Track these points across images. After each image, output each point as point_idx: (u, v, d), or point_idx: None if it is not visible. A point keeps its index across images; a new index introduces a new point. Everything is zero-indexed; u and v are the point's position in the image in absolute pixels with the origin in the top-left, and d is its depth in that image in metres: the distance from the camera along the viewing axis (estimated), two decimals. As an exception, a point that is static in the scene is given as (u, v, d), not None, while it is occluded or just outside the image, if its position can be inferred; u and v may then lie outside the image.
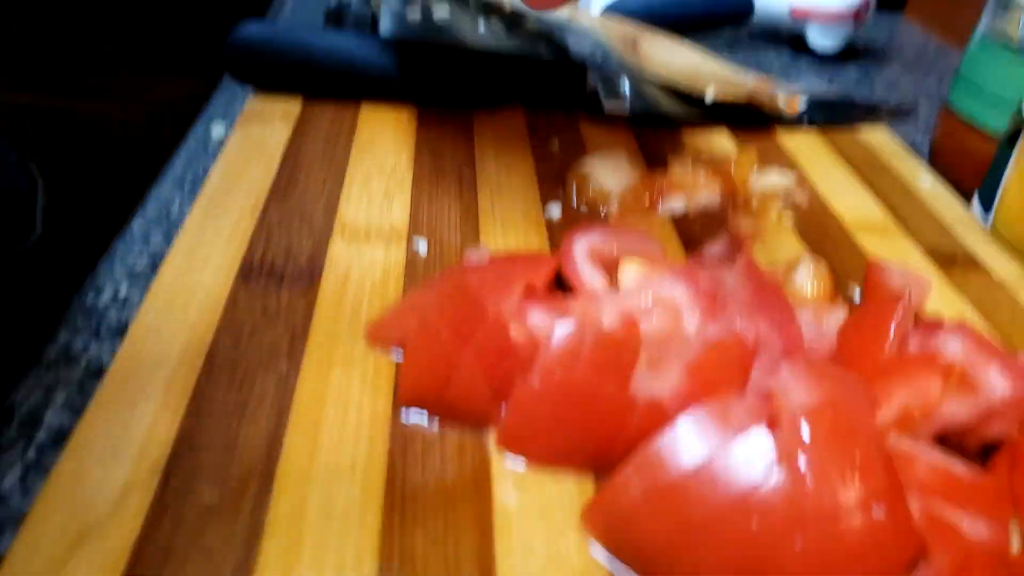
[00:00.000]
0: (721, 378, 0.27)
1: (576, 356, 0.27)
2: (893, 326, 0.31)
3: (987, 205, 0.47)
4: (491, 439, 0.28)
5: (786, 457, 0.23)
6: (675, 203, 0.41)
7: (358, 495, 0.25)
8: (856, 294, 0.38)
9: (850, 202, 0.46)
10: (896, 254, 0.41)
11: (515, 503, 0.26)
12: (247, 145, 0.42)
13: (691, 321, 0.30)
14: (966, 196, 0.49)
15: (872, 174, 0.50)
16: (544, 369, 0.27)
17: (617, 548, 0.25)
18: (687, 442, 0.24)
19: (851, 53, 0.78)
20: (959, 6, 0.86)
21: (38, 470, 0.27)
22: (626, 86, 0.50)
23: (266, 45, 0.46)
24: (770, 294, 0.32)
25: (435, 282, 0.32)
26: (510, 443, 0.27)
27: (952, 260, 0.42)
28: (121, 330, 0.33)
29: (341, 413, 0.28)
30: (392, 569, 0.23)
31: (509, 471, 0.27)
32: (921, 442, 0.29)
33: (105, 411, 0.27)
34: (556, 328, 0.27)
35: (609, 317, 0.28)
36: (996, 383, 0.28)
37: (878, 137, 0.55)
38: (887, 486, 0.23)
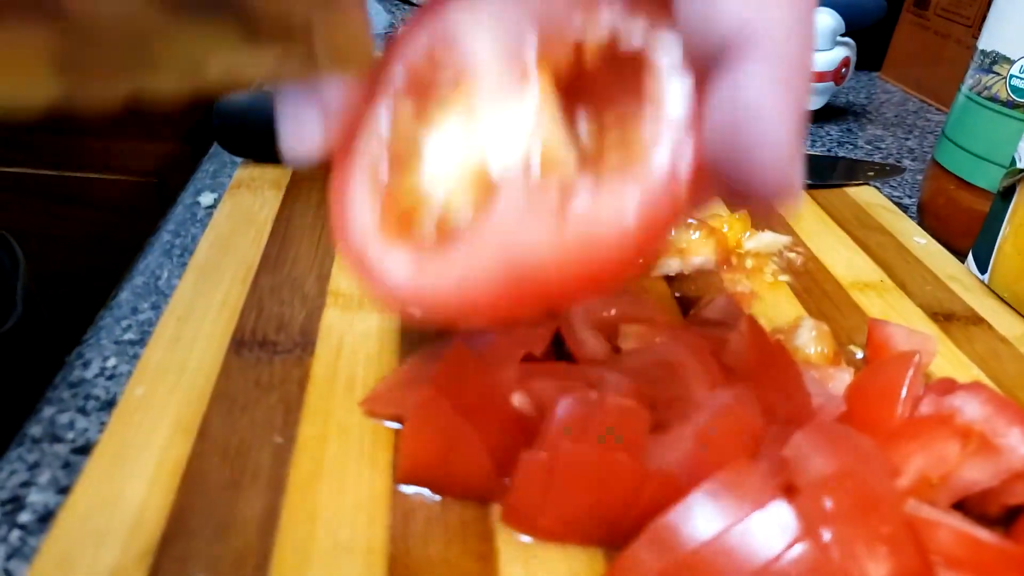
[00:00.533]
0: (732, 446, 0.26)
1: (585, 424, 0.26)
2: (905, 388, 0.30)
3: (982, 263, 0.47)
4: (495, 513, 0.27)
5: (808, 529, 0.23)
6: (671, 264, 0.41)
7: (360, 575, 0.24)
8: (859, 355, 0.38)
9: (845, 261, 0.46)
10: (895, 312, 0.41)
11: (524, 581, 0.25)
12: (236, 214, 0.42)
13: (697, 385, 0.29)
14: (958, 254, 0.49)
15: (864, 233, 0.50)
16: (551, 438, 0.26)
17: (634, 629, 0.24)
18: (703, 514, 0.24)
19: (831, 112, 0.79)
20: (935, 64, 0.88)
21: (22, 555, 0.26)
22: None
23: (253, 115, 0.45)
24: (775, 357, 0.31)
25: (432, 352, 0.31)
26: (516, 519, 0.26)
27: (951, 317, 0.42)
28: (109, 404, 0.32)
29: (338, 488, 0.27)
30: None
31: (516, 546, 0.26)
32: (941, 508, 0.28)
33: (93, 490, 0.26)
34: (561, 400, 0.26)
35: (614, 385, 0.28)
36: (1019, 446, 0.28)
37: (866, 196, 0.55)
38: (914, 558, 0.23)
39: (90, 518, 0.25)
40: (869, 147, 0.71)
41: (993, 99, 0.51)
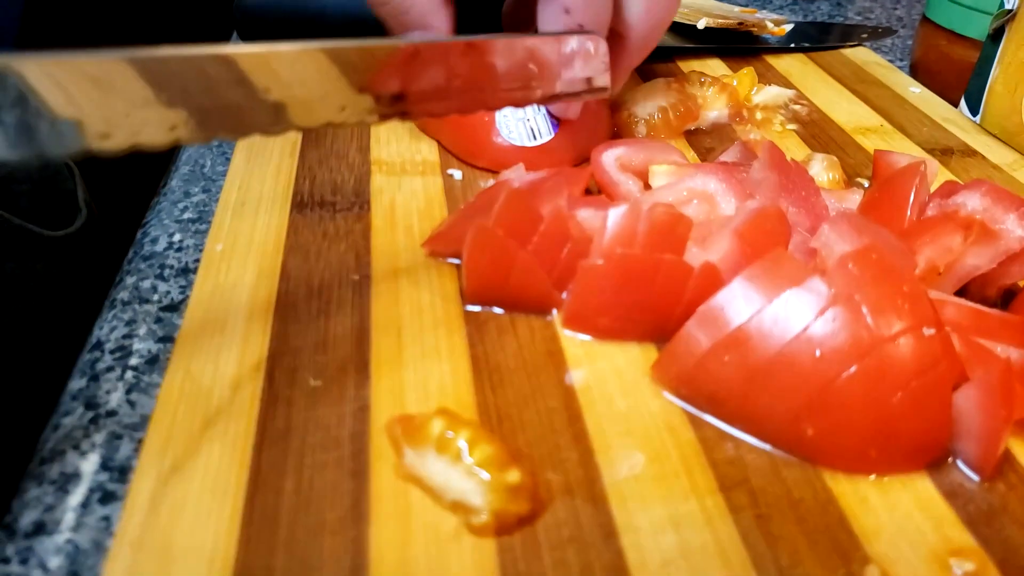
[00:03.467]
0: (766, 242, 0.29)
1: (633, 233, 0.29)
2: (912, 193, 0.33)
3: (974, 105, 0.50)
4: (556, 320, 0.30)
5: (839, 295, 0.26)
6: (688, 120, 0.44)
7: (449, 372, 0.27)
8: (866, 184, 0.41)
9: (846, 111, 0.49)
10: (897, 150, 0.44)
11: (589, 369, 0.28)
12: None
13: (728, 206, 0.32)
14: (951, 103, 0.52)
15: (862, 87, 0.52)
16: (606, 247, 0.29)
17: (688, 396, 0.27)
18: (746, 294, 0.27)
19: (821, -10, 0.80)
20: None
21: (139, 389, 0.29)
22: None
23: (275, 7, 0.47)
24: (795, 176, 0.34)
25: (482, 196, 0.34)
26: (576, 321, 0.29)
27: (949, 151, 0.45)
28: (183, 271, 0.35)
29: (416, 312, 0.30)
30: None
31: (578, 344, 0.29)
32: (946, 293, 0.31)
33: (199, 326, 0.29)
34: (611, 213, 0.29)
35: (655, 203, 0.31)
36: (1015, 228, 0.31)
37: (862, 56, 0.57)
38: (932, 314, 0.26)
39: (201, 344, 0.28)
40: (859, 18, 0.73)
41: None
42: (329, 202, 0.36)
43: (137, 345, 0.31)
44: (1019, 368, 0.28)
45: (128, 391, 0.29)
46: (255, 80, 0.23)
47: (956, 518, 0.24)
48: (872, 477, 0.25)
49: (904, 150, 0.44)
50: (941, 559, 0.23)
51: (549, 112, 0.39)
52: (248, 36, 0.48)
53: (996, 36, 0.49)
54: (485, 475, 0.22)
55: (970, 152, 0.45)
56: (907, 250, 0.28)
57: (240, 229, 0.33)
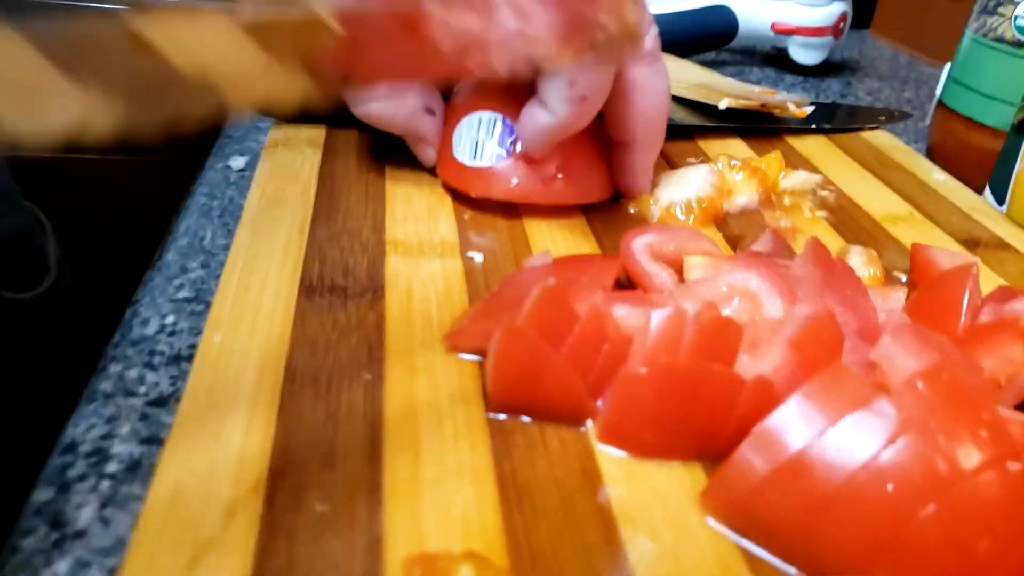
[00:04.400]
0: (822, 353, 0.27)
1: (678, 339, 0.26)
2: (966, 297, 0.31)
3: (1000, 196, 0.48)
4: (590, 433, 0.27)
5: (910, 420, 0.23)
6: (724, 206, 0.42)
7: (473, 499, 0.24)
8: (903, 279, 0.38)
9: (873, 197, 0.47)
10: (928, 241, 0.42)
11: (629, 492, 0.25)
12: (279, 171, 0.42)
13: (773, 306, 0.30)
14: (973, 189, 0.51)
15: (886, 172, 0.51)
16: (649, 354, 0.26)
17: (742, 527, 0.24)
18: (805, 415, 0.24)
19: (830, 68, 0.80)
20: (923, 19, 0.89)
21: (115, 503, 0.26)
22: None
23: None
24: (840, 274, 0.32)
25: (507, 287, 0.32)
26: (613, 435, 0.27)
27: (979, 243, 0.43)
28: (176, 358, 0.32)
29: (435, 419, 0.27)
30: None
31: (615, 463, 0.26)
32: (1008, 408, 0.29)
33: (191, 432, 0.26)
34: (654, 316, 0.27)
35: (699, 304, 0.28)
36: (1082, 342, 0.28)
37: (881, 139, 0.56)
38: (1008, 446, 0.23)
39: (194, 458, 0.25)
40: (870, 98, 0.72)
41: (999, 40, 0.52)
42: (340, 287, 0.33)
43: (117, 447, 0.28)
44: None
45: (103, 505, 0.26)
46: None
47: None
48: (951, 631, 0.22)
49: (935, 241, 0.42)
50: None
51: (509, 132, 0.38)
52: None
53: (1021, 128, 0.47)
54: (524, 634, 0.19)
55: (1002, 245, 0.43)
56: (979, 368, 0.26)
57: (242, 317, 0.31)
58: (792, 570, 0.23)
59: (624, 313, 0.29)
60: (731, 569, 0.23)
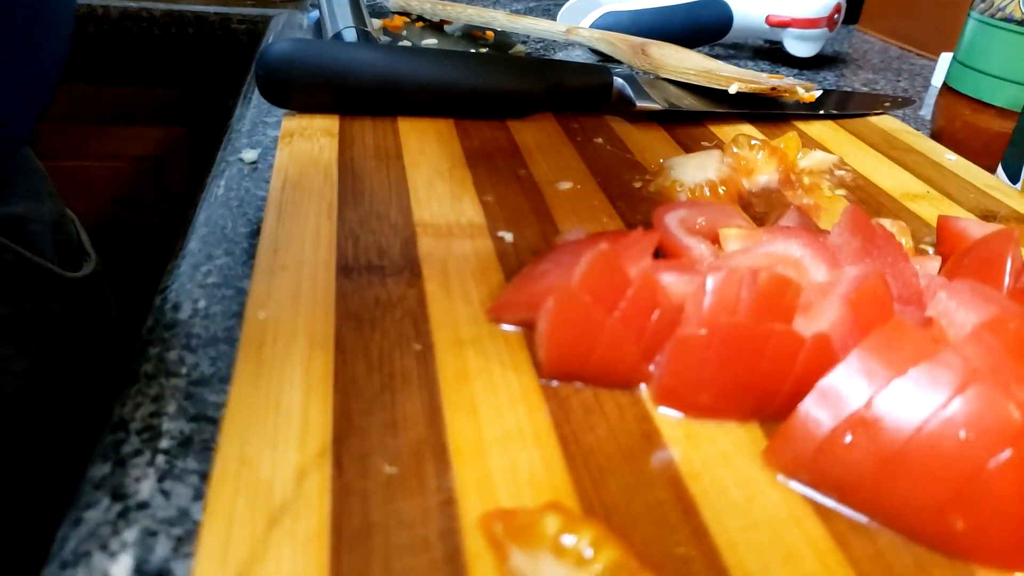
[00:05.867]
0: (876, 311, 0.27)
1: (735, 300, 0.26)
2: (1009, 259, 0.31)
3: (1013, 174, 0.49)
4: (645, 396, 0.27)
5: (979, 370, 0.23)
6: (743, 183, 0.42)
7: (539, 459, 0.24)
8: (930, 251, 0.39)
9: (889, 177, 0.47)
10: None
11: (692, 452, 0.25)
12: (298, 159, 0.41)
13: (818, 272, 0.30)
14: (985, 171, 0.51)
15: (898, 154, 0.51)
16: (707, 315, 0.26)
17: (811, 482, 0.24)
18: (869, 368, 0.24)
19: (823, 61, 0.81)
20: (909, 16, 0.90)
21: (173, 476, 0.25)
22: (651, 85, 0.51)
23: (298, 64, 0.45)
24: (880, 241, 0.32)
25: (545, 260, 0.32)
26: (671, 397, 0.26)
27: (995, 217, 0.43)
28: (214, 340, 0.31)
29: (490, 385, 0.27)
30: (605, 520, 0.22)
31: (673, 424, 0.26)
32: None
33: (248, 404, 0.25)
34: (710, 278, 0.27)
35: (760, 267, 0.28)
36: None
37: (889, 123, 0.57)
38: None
39: (253, 425, 0.24)
40: (867, 88, 0.73)
41: (1008, 19, 0.53)
42: (377, 266, 0.33)
43: (167, 425, 0.27)
44: None
45: (160, 479, 0.25)
46: None
47: None
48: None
49: (957, 215, 0.43)
50: None
51: None
52: (270, 93, 0.45)
53: (1034, 105, 0.48)
54: (615, 583, 0.19)
55: (1021, 218, 0.44)
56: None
57: (283, 295, 0.30)
58: (864, 519, 0.23)
59: (672, 280, 0.29)
60: (802, 521, 0.23)
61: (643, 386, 0.27)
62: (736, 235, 0.33)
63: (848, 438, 0.23)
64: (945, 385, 0.23)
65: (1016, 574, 0.22)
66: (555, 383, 0.27)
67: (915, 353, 0.24)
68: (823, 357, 0.26)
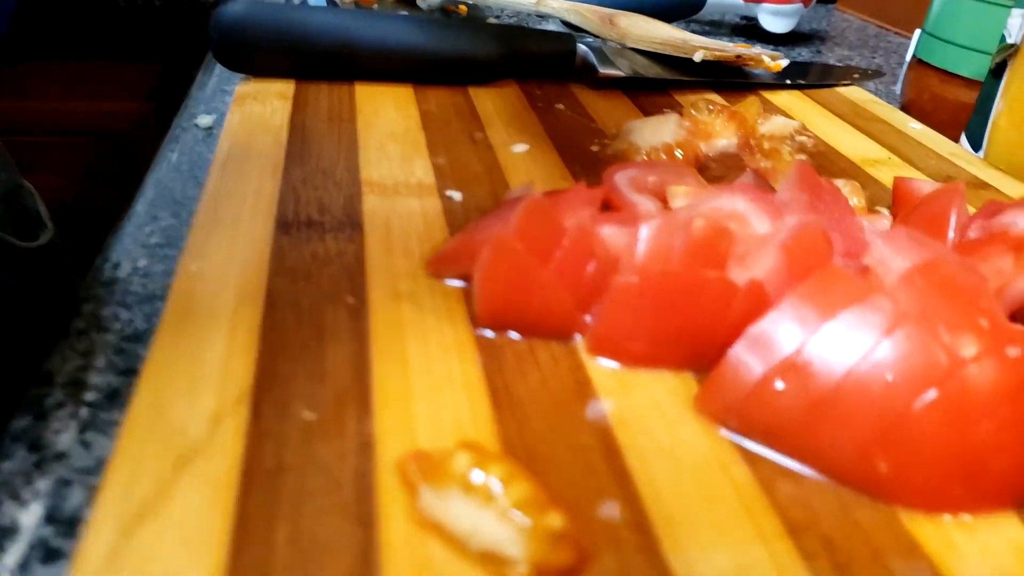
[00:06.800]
0: (812, 259, 0.26)
1: (669, 249, 0.26)
2: (954, 213, 0.31)
3: (976, 142, 0.49)
4: (580, 347, 0.27)
5: (908, 313, 0.23)
6: (700, 147, 0.41)
7: (465, 404, 0.24)
8: (885, 213, 0.38)
9: (851, 143, 0.47)
10: (910, 180, 0.42)
11: (623, 400, 0.25)
12: (249, 121, 0.41)
13: (761, 225, 0.30)
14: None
15: (863, 122, 0.51)
16: (640, 264, 0.26)
17: (740, 429, 0.24)
18: (800, 314, 0.24)
19: (799, 38, 0.80)
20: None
21: (96, 427, 0.25)
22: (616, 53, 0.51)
23: (253, 27, 0.44)
24: (827, 197, 0.31)
25: (490, 216, 0.31)
26: (605, 346, 0.26)
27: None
28: (150, 298, 0.31)
29: (422, 337, 0.26)
30: (524, 463, 0.21)
31: (607, 374, 0.26)
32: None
33: (171, 353, 0.25)
34: (644, 226, 0.26)
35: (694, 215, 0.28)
36: (1071, 248, 0.28)
37: (857, 94, 0.56)
38: (1015, 332, 0.23)
39: (176, 376, 0.24)
40: (840, 64, 0.72)
41: (973, -9, 0.52)
42: (317, 222, 0.32)
43: (95, 379, 0.27)
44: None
45: (82, 430, 0.25)
46: None
47: (1057, 565, 0.21)
48: (949, 517, 0.22)
49: (916, 181, 0.42)
50: (1053, 613, 0.19)
51: None
52: (224, 56, 0.45)
53: (998, 71, 0.48)
54: (524, 519, 0.19)
55: (981, 184, 0.43)
56: (973, 265, 0.26)
57: (217, 248, 0.30)
58: (793, 464, 0.23)
59: (611, 232, 0.28)
60: (729, 467, 0.23)
61: (579, 337, 0.27)
62: (684, 192, 0.33)
63: (778, 384, 0.23)
64: (874, 328, 0.23)
65: (939, 516, 0.22)
66: (491, 334, 0.27)
67: (847, 298, 0.24)
68: (757, 305, 0.25)
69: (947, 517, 0.22)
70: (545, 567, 0.18)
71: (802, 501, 0.22)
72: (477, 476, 0.19)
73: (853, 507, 0.22)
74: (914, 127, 0.51)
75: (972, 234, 0.31)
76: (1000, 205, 0.31)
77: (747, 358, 0.24)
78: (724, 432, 0.24)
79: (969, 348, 0.22)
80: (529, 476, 0.20)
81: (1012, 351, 0.22)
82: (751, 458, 0.23)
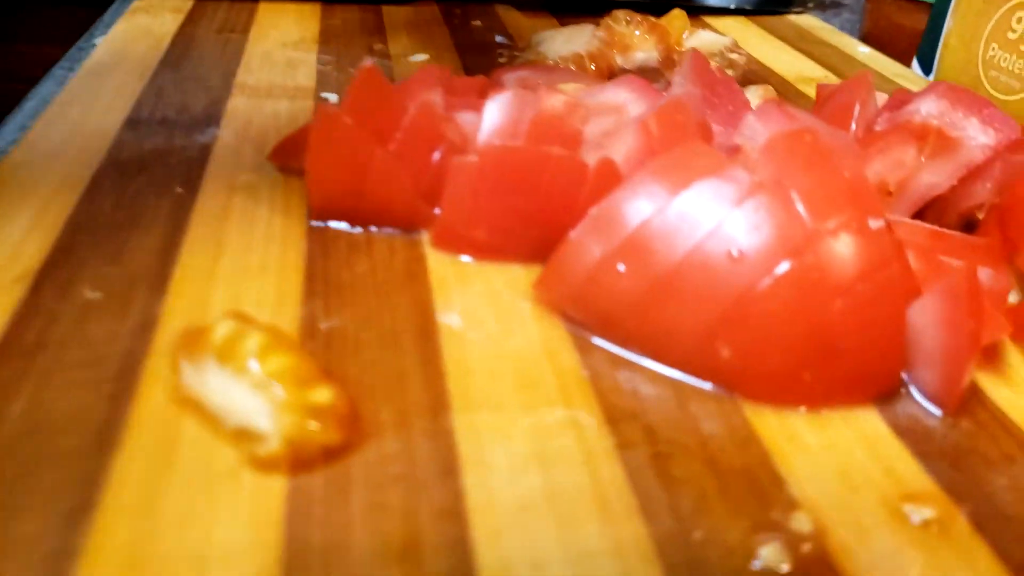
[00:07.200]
0: (676, 139, 0.24)
1: (518, 124, 0.23)
2: (857, 104, 0.28)
3: (927, 63, 0.46)
4: (425, 242, 0.24)
5: (763, 183, 0.20)
6: (616, 59, 0.39)
7: (273, 290, 0.21)
8: (808, 124, 0.36)
9: (788, 64, 0.44)
10: (843, 95, 0.39)
11: (458, 291, 0.22)
12: (133, 29, 0.38)
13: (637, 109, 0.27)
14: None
15: (806, 45, 0.48)
16: (484, 142, 0.23)
17: (579, 317, 0.21)
18: (649, 190, 0.21)
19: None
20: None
21: None
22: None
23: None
24: (722, 91, 0.29)
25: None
26: (447, 236, 0.24)
27: (899, 104, 0.40)
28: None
29: (247, 227, 0.24)
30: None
31: (450, 265, 0.23)
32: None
33: (-40, 236, 0.22)
34: (491, 102, 0.24)
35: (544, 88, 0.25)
36: (977, 136, 0.26)
37: (809, 22, 0.53)
38: (880, 205, 0.21)
39: (-41, 257, 0.21)
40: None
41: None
42: (172, 120, 0.30)
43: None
44: (989, 291, 0.23)
45: None
46: None
47: (912, 458, 0.18)
48: (804, 410, 0.19)
49: (852, 100, 0.40)
50: (891, 505, 0.17)
51: None
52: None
53: (950, -13, 0.45)
54: (278, 390, 0.16)
55: (924, 105, 0.40)
56: (850, 139, 0.23)
57: (53, 142, 0.27)
58: (633, 357, 0.20)
59: (471, 119, 0.26)
60: (557, 354, 0.20)
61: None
62: (570, 89, 0.30)
63: (620, 266, 0.20)
64: (725, 200, 0.20)
65: (787, 409, 0.19)
66: (329, 226, 0.24)
67: (701, 172, 0.21)
68: (611, 187, 0.23)
69: (802, 410, 0.19)
70: (302, 444, 0.16)
71: (633, 392, 0.19)
72: (234, 345, 0.17)
73: (691, 399, 0.19)
74: (863, 51, 0.48)
75: (880, 127, 0.28)
76: (908, 95, 0.28)
77: (587, 240, 0.21)
78: (566, 324, 0.21)
79: (828, 220, 0.20)
80: (296, 349, 0.17)
81: (874, 223, 0.20)
82: (588, 349, 0.21)
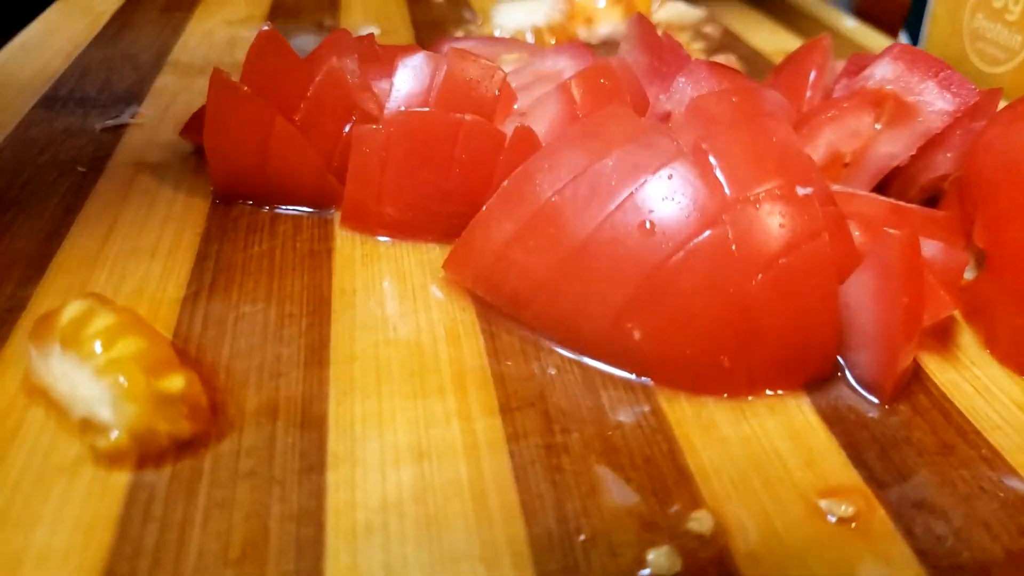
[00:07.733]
0: (603, 104, 0.22)
1: (429, 88, 0.22)
2: (813, 70, 0.26)
3: (915, 35, 0.44)
4: (336, 220, 0.23)
5: (681, 149, 0.18)
6: (578, 32, 0.37)
7: (158, 271, 0.20)
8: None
9: (767, 38, 0.42)
10: (818, 67, 0.37)
11: (362, 270, 0.21)
12: (70, 9, 0.37)
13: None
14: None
15: (789, 18, 0.46)
16: (391, 109, 0.21)
17: (488, 295, 0.20)
18: (565, 159, 0.19)
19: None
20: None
21: None
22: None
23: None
24: (669, 57, 0.27)
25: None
26: (355, 213, 0.22)
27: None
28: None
29: (146, 206, 0.22)
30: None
31: (358, 243, 0.22)
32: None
33: None
34: (399, 67, 0.22)
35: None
36: (935, 101, 0.24)
37: (795, -4, 0.51)
38: (811, 171, 0.19)
39: None
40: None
41: None
42: (90, 98, 0.28)
43: None
44: (942, 267, 0.21)
45: None
46: None
47: (838, 449, 0.17)
48: (726, 397, 0.18)
49: (830, 72, 0.38)
50: (807, 500, 0.15)
51: None
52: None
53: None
54: (122, 377, 0.15)
55: (906, 76, 0.38)
56: (784, 100, 0.21)
57: (-45, 120, 0.26)
58: (545, 342, 0.19)
59: (388, 87, 0.24)
60: (460, 338, 0.19)
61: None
62: (513, 60, 0.29)
63: (530, 242, 0.19)
64: (640, 168, 0.18)
65: (705, 397, 0.18)
66: (237, 205, 0.23)
67: (618, 139, 0.19)
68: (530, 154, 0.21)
69: (724, 398, 0.18)
70: (149, 436, 0.15)
71: (535, 378, 0.18)
72: (79, 328, 0.15)
73: (600, 386, 0.18)
74: (848, 24, 0.46)
75: (839, 94, 0.26)
76: (866, 58, 0.26)
77: (498, 214, 0.19)
78: (474, 305, 0.20)
79: (750, 187, 0.18)
80: (150, 333, 0.16)
81: (803, 190, 0.18)
82: (493, 332, 0.19)
